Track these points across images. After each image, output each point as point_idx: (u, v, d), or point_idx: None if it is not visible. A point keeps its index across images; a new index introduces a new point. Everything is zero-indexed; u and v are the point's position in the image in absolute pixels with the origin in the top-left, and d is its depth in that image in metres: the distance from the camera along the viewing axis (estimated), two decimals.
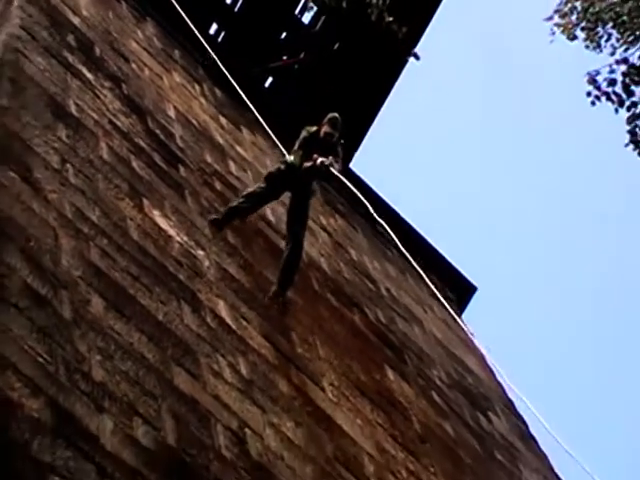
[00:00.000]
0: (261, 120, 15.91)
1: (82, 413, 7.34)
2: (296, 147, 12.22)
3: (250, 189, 12.25)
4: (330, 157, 11.81)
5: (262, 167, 16.15)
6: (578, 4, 18.69)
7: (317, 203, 16.35)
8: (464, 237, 39.64)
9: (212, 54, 17.43)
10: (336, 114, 12.45)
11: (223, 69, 16.86)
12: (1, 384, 6.83)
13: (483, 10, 32.50)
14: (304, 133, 12.28)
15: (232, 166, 15.39)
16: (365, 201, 14.02)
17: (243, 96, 16.35)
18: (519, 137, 41.99)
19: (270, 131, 15.78)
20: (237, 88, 16.46)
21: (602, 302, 40.32)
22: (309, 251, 14.48)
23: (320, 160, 11.63)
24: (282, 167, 12.09)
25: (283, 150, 14.67)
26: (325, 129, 12.08)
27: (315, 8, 21.13)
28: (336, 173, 11.99)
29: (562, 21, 19.01)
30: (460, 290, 21.76)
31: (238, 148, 16.22)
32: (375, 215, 14.35)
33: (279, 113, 19.51)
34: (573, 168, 41.07)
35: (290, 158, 12.04)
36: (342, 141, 12.65)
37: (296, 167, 11.80)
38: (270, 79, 21.41)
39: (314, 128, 12.29)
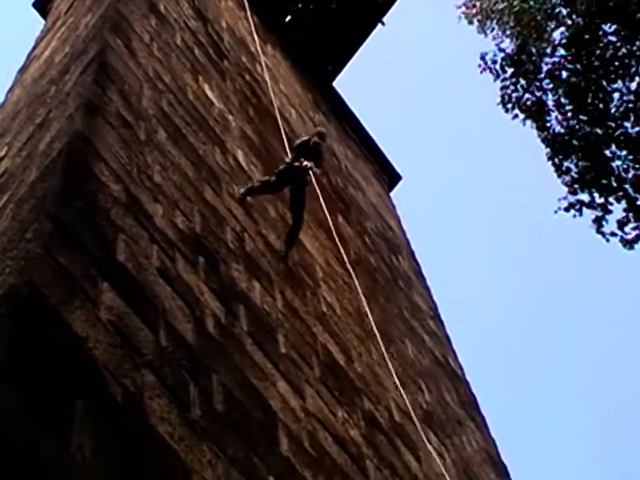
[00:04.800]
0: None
1: (144, 199, 7.37)
2: (294, 151, 10.92)
3: (264, 178, 10.73)
4: (312, 162, 10.51)
5: (277, 71, 16.01)
6: (478, 3, 18.49)
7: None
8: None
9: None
10: (322, 129, 11.71)
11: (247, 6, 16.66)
12: (97, 171, 6.85)
13: None
14: (299, 141, 11.07)
15: (257, 67, 15.19)
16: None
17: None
18: None
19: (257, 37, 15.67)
20: (251, 21, 16.21)
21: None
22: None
23: (305, 163, 10.89)
24: (284, 166, 10.66)
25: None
26: (314, 139, 10.85)
27: None
28: (312, 175, 11.05)
29: (467, 11, 18.80)
30: (392, 178, 21.73)
31: (263, 57, 15.99)
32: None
33: (294, 38, 20.27)
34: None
35: (288, 159, 10.86)
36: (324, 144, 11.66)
37: (292, 165, 10.94)
38: (289, 17, 21.43)
39: (306, 138, 11.11)
